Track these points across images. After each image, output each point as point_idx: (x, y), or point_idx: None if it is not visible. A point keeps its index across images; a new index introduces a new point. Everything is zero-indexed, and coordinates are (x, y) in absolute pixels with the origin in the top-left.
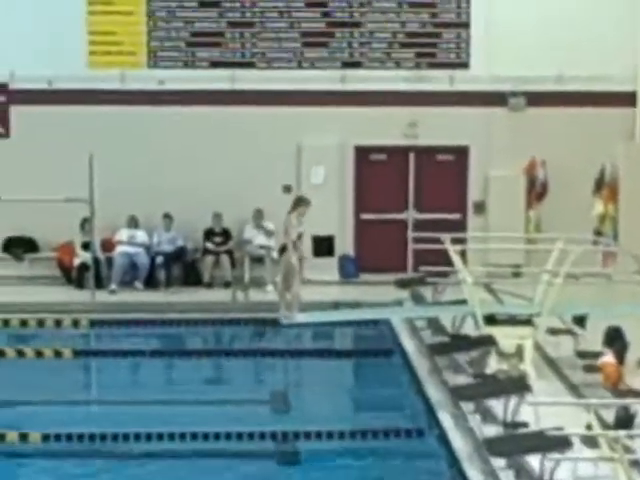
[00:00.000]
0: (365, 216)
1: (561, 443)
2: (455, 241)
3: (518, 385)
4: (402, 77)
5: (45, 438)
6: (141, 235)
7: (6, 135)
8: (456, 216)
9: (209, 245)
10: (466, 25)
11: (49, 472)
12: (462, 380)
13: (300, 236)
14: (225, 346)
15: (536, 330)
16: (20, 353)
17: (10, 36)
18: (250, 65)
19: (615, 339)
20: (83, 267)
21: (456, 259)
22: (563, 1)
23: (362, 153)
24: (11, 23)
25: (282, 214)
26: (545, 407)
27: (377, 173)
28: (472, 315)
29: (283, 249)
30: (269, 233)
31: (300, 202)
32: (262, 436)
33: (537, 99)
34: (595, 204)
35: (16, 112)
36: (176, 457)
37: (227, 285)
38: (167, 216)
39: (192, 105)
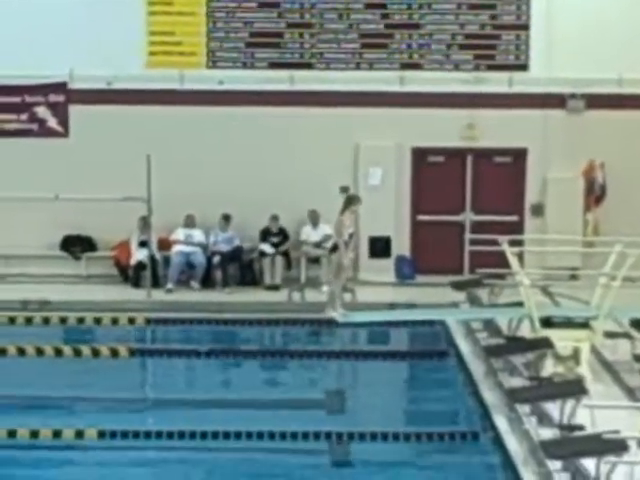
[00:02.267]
0: (422, 217)
1: (617, 446)
2: (512, 243)
3: (574, 388)
4: (461, 79)
5: (101, 435)
6: (198, 235)
7: (65, 134)
8: (513, 218)
9: (265, 246)
10: (525, 27)
11: (105, 467)
12: (518, 383)
13: (351, 236)
14: (281, 346)
15: (593, 333)
16: (77, 351)
17: (70, 35)
18: (309, 66)
19: None
20: (140, 266)
21: (513, 261)
22: (623, 3)
23: (419, 155)
24: (71, 22)
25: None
26: (601, 410)
27: (434, 175)
28: (528, 317)
29: (334, 248)
30: (326, 237)
31: (351, 201)
32: (317, 436)
33: (596, 101)
34: None
35: (75, 111)
36: (231, 455)
37: (276, 288)
38: (225, 217)
39: (250, 105)
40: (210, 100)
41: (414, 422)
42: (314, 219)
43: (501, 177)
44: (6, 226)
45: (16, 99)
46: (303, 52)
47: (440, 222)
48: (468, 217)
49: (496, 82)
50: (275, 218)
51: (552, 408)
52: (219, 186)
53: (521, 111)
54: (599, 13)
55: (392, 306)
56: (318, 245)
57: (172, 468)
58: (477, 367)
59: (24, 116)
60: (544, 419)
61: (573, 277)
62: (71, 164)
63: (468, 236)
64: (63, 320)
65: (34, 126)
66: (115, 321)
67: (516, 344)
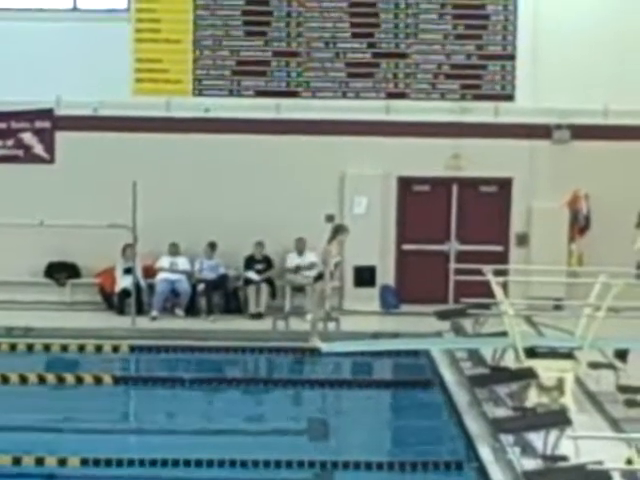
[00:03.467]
0: (407, 247)
1: (601, 478)
2: (497, 273)
3: (558, 418)
4: (447, 108)
5: (84, 463)
6: (183, 262)
7: (51, 161)
8: (498, 248)
9: (250, 274)
10: (511, 57)
11: None
12: (502, 413)
13: (337, 265)
14: (265, 375)
15: (577, 364)
16: (60, 379)
17: (56, 62)
18: (295, 94)
19: None
20: (124, 293)
21: (498, 291)
22: (608, 35)
23: (405, 184)
24: (58, 49)
25: (324, 244)
26: (585, 441)
27: (420, 204)
28: (513, 347)
29: (319, 277)
30: (311, 265)
31: (339, 230)
32: (300, 465)
33: (581, 132)
34: (638, 238)
35: (61, 138)
36: None
37: (259, 316)
38: (211, 244)
39: (236, 133)
40: (196, 128)
41: (398, 451)
42: (300, 247)
43: (486, 207)
44: None
45: (2, 125)
46: (289, 80)
47: (425, 251)
48: (453, 246)
49: (482, 112)
50: (260, 245)
51: (536, 438)
52: (205, 214)
53: (507, 141)
54: (585, 44)
55: (376, 335)
56: (302, 269)
57: None
58: (461, 397)
59: (10, 142)
60: (528, 449)
61: (557, 307)
62: (57, 190)
63: (453, 265)
64: (47, 347)
65: (20, 152)
66: (99, 348)
67: (500, 374)
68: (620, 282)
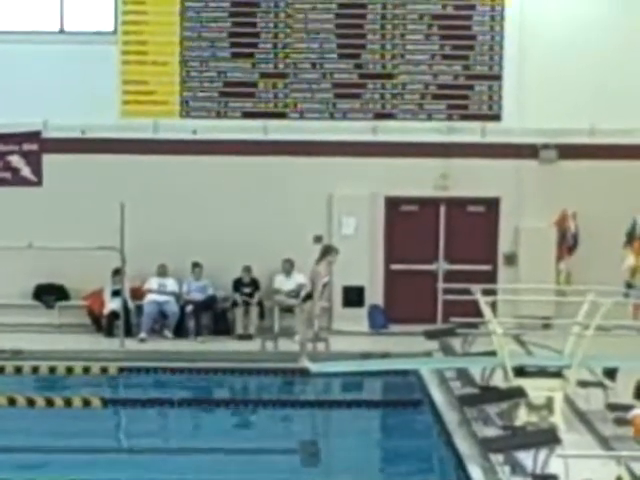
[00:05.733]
0: (395, 267)
1: None
2: (485, 292)
3: (548, 437)
4: (434, 129)
5: None
6: (171, 284)
7: (38, 183)
8: (486, 267)
9: (238, 296)
10: (498, 77)
11: None
12: (491, 432)
13: (325, 285)
14: (254, 396)
15: (566, 382)
16: (49, 401)
17: (44, 84)
18: (282, 116)
19: None
20: (113, 315)
21: (486, 310)
22: (595, 55)
23: (393, 204)
24: (45, 71)
25: (312, 264)
26: (575, 460)
27: (408, 224)
28: (502, 367)
29: (307, 297)
30: (300, 286)
31: (328, 251)
32: None
33: (568, 152)
34: (626, 257)
35: (49, 160)
36: None
37: (250, 337)
38: (196, 265)
39: (224, 155)
40: (184, 149)
41: (388, 472)
42: (288, 268)
43: (474, 226)
44: None
45: None
46: (277, 102)
47: (413, 271)
48: (441, 266)
49: (469, 132)
50: (247, 269)
51: (525, 457)
52: (193, 235)
53: (494, 161)
54: (571, 64)
55: (366, 355)
56: (291, 294)
57: None
58: (451, 416)
59: None
60: (518, 468)
61: (546, 326)
62: (44, 213)
63: (441, 285)
64: (35, 369)
65: (7, 175)
66: (87, 370)
67: (489, 393)
68: (608, 301)
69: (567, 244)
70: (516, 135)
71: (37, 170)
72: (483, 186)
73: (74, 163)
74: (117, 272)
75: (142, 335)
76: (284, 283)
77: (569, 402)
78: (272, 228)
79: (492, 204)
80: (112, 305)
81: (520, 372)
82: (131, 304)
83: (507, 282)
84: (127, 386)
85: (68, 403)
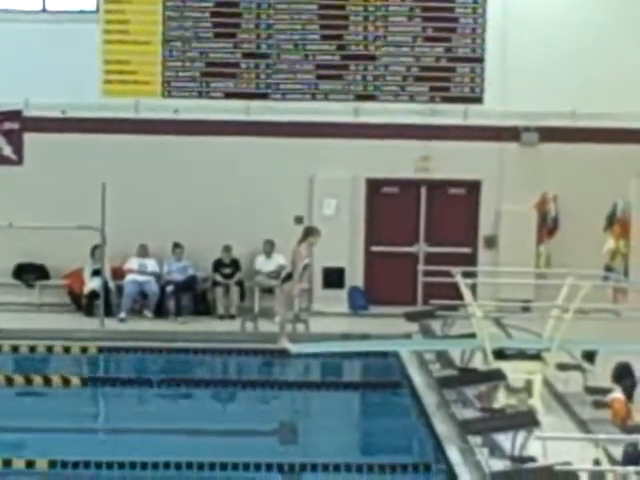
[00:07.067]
0: (376, 248)
1: (569, 478)
2: (465, 275)
3: (526, 420)
4: (416, 111)
5: (52, 465)
6: (151, 264)
7: (19, 162)
8: (467, 250)
9: (218, 277)
10: (480, 60)
11: None
12: (470, 414)
13: (306, 267)
14: (233, 376)
15: (545, 365)
16: (28, 380)
17: (25, 64)
18: (264, 96)
19: (624, 375)
20: (93, 295)
21: (466, 293)
22: (577, 39)
23: (374, 186)
24: (26, 50)
25: (293, 245)
26: (553, 442)
27: (389, 206)
28: (481, 349)
29: (287, 278)
30: (280, 267)
31: (310, 232)
32: (269, 467)
33: (550, 135)
34: (606, 240)
35: (30, 139)
36: None
37: (232, 317)
38: (177, 245)
39: (205, 135)
40: (165, 129)
41: (366, 453)
42: (269, 249)
43: (455, 209)
44: None
45: None
46: (259, 82)
47: (394, 253)
48: (422, 248)
49: (451, 114)
50: (227, 249)
51: (504, 439)
52: (174, 215)
53: (475, 143)
54: (553, 47)
55: (345, 337)
56: (272, 275)
57: None
58: (430, 398)
59: None
60: (496, 450)
61: (526, 309)
62: (25, 192)
63: (421, 267)
64: (15, 348)
65: None
66: (67, 350)
67: (469, 376)
68: (588, 284)
69: (547, 227)
70: (498, 118)
71: (18, 149)
72: (464, 168)
73: (55, 142)
74: (95, 249)
75: (122, 315)
76: (265, 264)
77: (548, 385)
78: (253, 209)
79: (473, 187)
80: (92, 284)
81: (499, 355)
82: (111, 284)
83: (487, 265)
84: (107, 366)
85: (47, 382)
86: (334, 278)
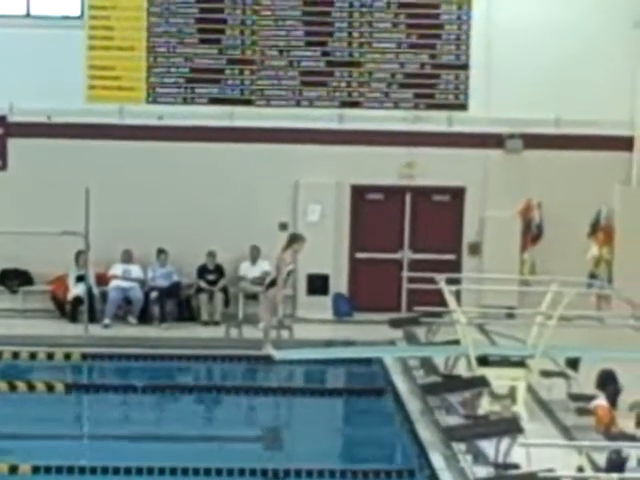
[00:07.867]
0: (360, 255)
1: None
2: (449, 282)
3: (510, 426)
4: (400, 117)
5: (35, 470)
6: (136, 270)
7: (3, 167)
8: (451, 257)
9: (202, 283)
10: (465, 67)
11: None
12: (454, 421)
13: (290, 273)
14: (218, 382)
15: (529, 372)
16: (12, 386)
17: (10, 69)
18: (249, 102)
19: (608, 382)
20: (77, 301)
21: (450, 299)
22: (561, 46)
23: (359, 192)
24: (11, 56)
25: (278, 251)
26: (537, 449)
27: (373, 212)
28: (465, 356)
29: (271, 284)
30: (265, 273)
31: (295, 239)
32: (253, 473)
33: (534, 142)
34: (590, 247)
35: (14, 145)
36: None
37: (216, 323)
38: (161, 251)
39: (190, 141)
40: (150, 135)
41: (350, 459)
42: (254, 255)
43: (439, 215)
44: None
45: None
46: (243, 88)
47: (378, 260)
48: (406, 255)
49: (435, 121)
50: (212, 255)
51: (488, 446)
52: (158, 221)
53: (460, 150)
54: (537, 55)
55: (329, 343)
56: (256, 281)
57: None
58: (414, 405)
59: None
60: (480, 457)
61: (510, 316)
62: (9, 197)
63: (406, 274)
64: None
65: None
66: (51, 356)
67: (453, 382)
68: (572, 291)
69: (531, 234)
70: (482, 125)
71: (2, 154)
72: (448, 175)
73: (39, 148)
74: (79, 255)
75: (106, 321)
76: (249, 270)
77: (532, 392)
78: (238, 215)
79: (457, 193)
80: (76, 290)
81: (483, 361)
82: (95, 290)
83: (471, 271)
84: (91, 372)
85: (31, 388)
86: (318, 284)
